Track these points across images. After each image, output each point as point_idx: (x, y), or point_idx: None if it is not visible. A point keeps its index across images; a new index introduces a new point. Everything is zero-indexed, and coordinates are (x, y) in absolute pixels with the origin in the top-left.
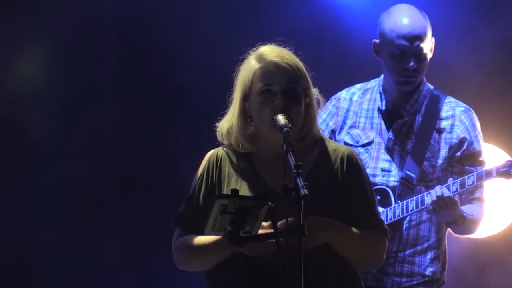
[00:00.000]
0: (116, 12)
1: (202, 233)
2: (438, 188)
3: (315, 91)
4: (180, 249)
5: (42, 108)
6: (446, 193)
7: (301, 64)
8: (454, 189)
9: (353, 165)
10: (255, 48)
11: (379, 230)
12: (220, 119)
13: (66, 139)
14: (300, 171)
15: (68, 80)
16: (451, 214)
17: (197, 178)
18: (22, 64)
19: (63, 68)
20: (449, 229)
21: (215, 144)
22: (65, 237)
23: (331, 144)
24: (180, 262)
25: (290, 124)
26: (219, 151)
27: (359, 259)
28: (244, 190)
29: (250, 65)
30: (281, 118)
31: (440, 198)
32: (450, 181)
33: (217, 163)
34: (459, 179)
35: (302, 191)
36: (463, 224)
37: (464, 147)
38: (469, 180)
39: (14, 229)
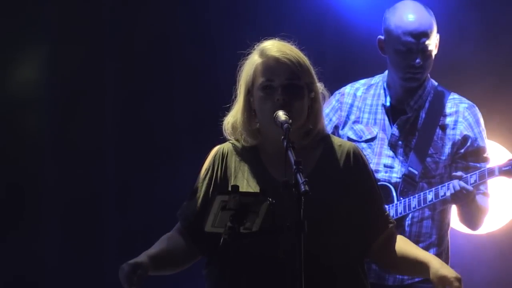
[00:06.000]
0: (116, 14)
1: (201, 229)
2: (456, 182)
3: (320, 86)
4: None
5: (41, 111)
6: (463, 185)
7: (304, 59)
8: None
9: (360, 162)
10: (259, 43)
11: (389, 226)
12: (226, 114)
13: (66, 140)
14: (300, 167)
15: (68, 82)
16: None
17: (202, 174)
18: (21, 66)
19: (63, 70)
20: (451, 226)
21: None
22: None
23: (336, 140)
24: None
25: (290, 120)
26: (225, 146)
27: None
28: (252, 184)
29: (252, 60)
30: (281, 114)
31: (458, 191)
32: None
33: (223, 158)
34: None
35: (302, 187)
36: (474, 211)
37: (468, 143)
38: (471, 178)
39: (12, 229)
